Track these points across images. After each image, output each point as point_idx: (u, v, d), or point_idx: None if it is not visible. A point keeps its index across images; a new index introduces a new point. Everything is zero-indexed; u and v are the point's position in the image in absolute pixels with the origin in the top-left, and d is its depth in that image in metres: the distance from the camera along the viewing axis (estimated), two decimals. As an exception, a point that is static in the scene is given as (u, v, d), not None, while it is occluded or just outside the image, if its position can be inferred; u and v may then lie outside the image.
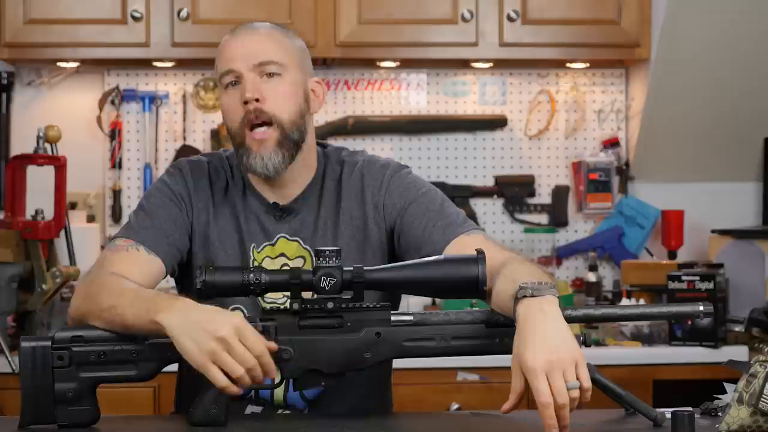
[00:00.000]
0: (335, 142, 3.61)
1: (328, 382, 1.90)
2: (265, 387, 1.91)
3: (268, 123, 2.05)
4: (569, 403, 1.68)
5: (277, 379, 1.87)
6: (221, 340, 1.76)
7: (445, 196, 2.14)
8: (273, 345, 1.81)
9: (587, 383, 1.71)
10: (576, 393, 1.70)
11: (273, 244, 2.10)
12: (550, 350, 1.70)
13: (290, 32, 2.15)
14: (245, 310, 2.03)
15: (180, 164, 2.15)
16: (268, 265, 2.07)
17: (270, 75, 2.06)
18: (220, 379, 1.76)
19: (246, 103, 2.04)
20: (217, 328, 1.76)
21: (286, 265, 2.07)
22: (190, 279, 2.09)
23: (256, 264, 2.07)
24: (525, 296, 1.75)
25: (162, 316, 1.79)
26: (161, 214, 2.07)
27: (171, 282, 2.20)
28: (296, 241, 2.10)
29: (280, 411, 2.06)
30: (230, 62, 2.07)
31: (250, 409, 2.07)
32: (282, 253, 2.10)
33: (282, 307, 1.95)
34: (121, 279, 1.93)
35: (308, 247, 2.09)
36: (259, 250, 2.10)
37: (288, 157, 2.07)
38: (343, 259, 1.86)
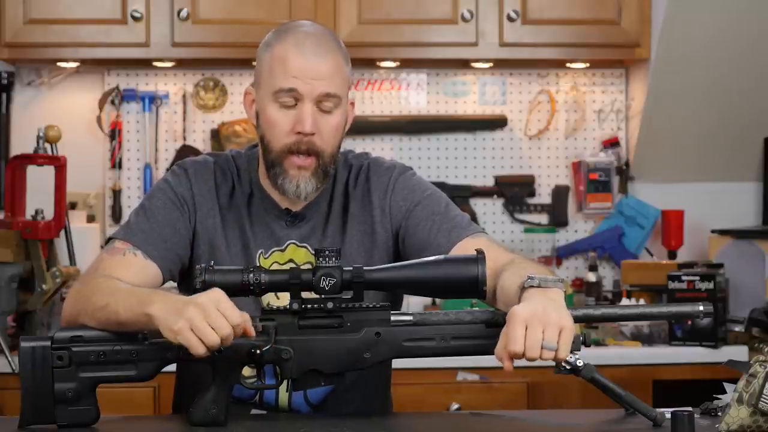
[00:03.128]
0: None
1: (328, 382, 1.90)
2: (265, 387, 1.91)
3: (311, 152, 2.03)
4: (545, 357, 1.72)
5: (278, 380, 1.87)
6: (200, 306, 1.75)
7: (449, 199, 2.14)
8: (250, 330, 1.79)
9: (564, 354, 1.73)
10: (549, 354, 1.71)
11: (283, 250, 2.08)
12: (539, 308, 1.73)
13: (344, 49, 2.08)
14: (247, 312, 2.02)
15: (185, 164, 2.12)
16: None
17: (327, 103, 2.02)
18: (196, 345, 1.74)
19: (300, 132, 2.01)
20: (198, 297, 1.77)
21: (295, 266, 2.06)
22: (191, 282, 2.07)
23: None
24: (532, 286, 1.78)
25: (154, 308, 1.78)
26: (161, 217, 2.05)
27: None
28: (305, 247, 2.09)
29: (285, 414, 2.05)
30: (294, 81, 2.00)
31: (254, 413, 2.06)
32: (291, 259, 2.08)
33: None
34: (114, 280, 1.93)
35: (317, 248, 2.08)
36: (266, 256, 2.08)
37: (320, 185, 2.06)
38: (343, 260, 1.86)
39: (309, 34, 2.05)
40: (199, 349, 1.75)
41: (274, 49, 2.03)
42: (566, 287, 3.66)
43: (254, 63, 2.10)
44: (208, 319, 1.74)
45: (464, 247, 2.02)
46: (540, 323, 1.72)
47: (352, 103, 2.12)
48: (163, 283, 2.05)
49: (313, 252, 2.05)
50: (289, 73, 2.00)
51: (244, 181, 2.12)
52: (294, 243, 2.09)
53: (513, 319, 1.73)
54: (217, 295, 1.78)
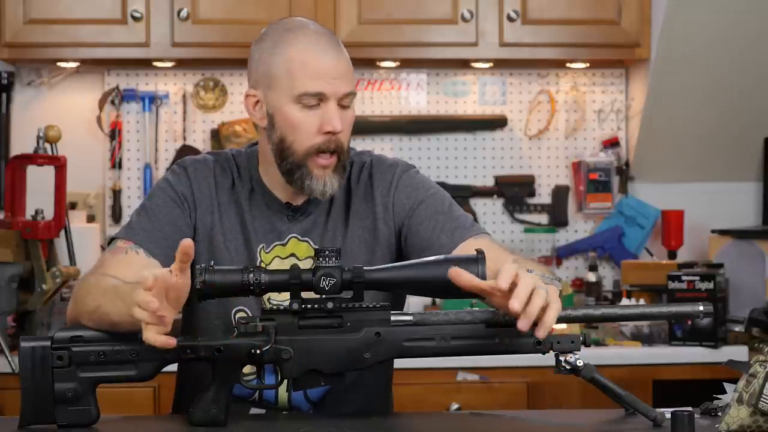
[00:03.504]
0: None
1: (328, 382, 1.90)
2: (266, 387, 1.91)
3: (336, 150, 2.04)
4: (535, 300, 1.68)
5: (277, 379, 1.87)
6: (136, 299, 1.73)
7: (452, 198, 2.14)
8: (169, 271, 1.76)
9: (555, 304, 1.71)
10: (542, 293, 1.69)
11: (284, 244, 2.09)
12: (531, 275, 1.71)
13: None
14: (248, 311, 2.03)
15: (185, 163, 2.12)
16: (277, 265, 2.06)
17: (347, 100, 2.04)
18: (151, 338, 1.72)
19: (328, 132, 2.01)
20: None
21: (295, 265, 2.06)
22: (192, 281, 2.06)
23: (263, 265, 2.06)
24: None
25: (136, 310, 1.78)
26: (162, 216, 2.06)
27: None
28: (306, 241, 2.09)
29: (284, 413, 2.06)
30: (319, 84, 2.01)
31: (254, 411, 2.06)
32: (292, 253, 2.08)
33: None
34: (104, 278, 1.93)
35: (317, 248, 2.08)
36: (268, 250, 2.08)
37: (342, 181, 2.07)
38: (345, 255, 1.85)
39: (319, 32, 2.05)
40: (156, 341, 1.72)
41: (287, 51, 2.02)
42: (565, 287, 3.66)
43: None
44: (143, 305, 1.72)
45: (467, 248, 2.01)
46: (531, 279, 1.70)
47: None
48: None
49: (316, 247, 2.05)
50: (313, 76, 2.01)
51: (245, 178, 2.12)
52: (296, 237, 2.09)
53: (501, 272, 1.70)
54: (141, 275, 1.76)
